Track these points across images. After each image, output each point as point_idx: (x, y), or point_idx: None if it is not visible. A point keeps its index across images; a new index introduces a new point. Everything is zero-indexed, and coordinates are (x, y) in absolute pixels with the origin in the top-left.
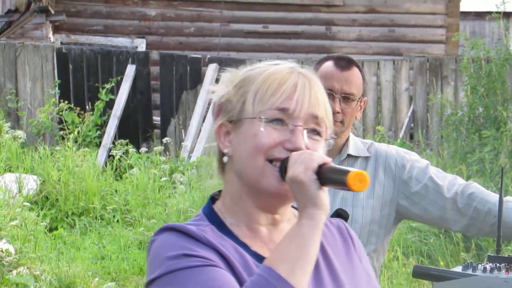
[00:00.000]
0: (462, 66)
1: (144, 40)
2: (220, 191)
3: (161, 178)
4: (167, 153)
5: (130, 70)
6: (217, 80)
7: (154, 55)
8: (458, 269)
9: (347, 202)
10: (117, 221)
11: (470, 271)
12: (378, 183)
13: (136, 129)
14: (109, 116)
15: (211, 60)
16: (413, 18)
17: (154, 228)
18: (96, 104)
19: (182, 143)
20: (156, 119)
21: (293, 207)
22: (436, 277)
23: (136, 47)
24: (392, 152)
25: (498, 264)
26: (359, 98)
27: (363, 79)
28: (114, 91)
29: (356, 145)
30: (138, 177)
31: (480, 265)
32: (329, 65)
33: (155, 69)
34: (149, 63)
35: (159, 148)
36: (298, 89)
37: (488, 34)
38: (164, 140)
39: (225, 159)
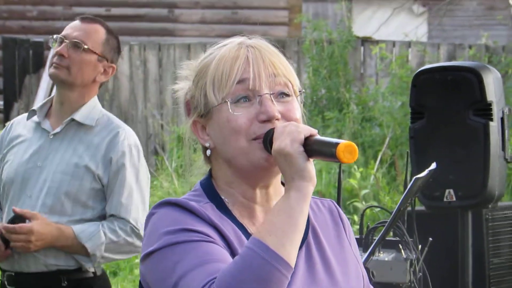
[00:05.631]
0: (304, 48)
1: None
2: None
3: None
4: None
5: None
6: None
7: None
8: None
9: None
10: None
11: None
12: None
13: None
14: None
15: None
16: (255, 0)
17: None
18: None
19: None
20: None
21: (283, 183)
22: None
23: None
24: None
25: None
26: (93, 51)
27: (110, 44)
28: None
29: (91, 112)
30: None
31: None
32: (74, 21)
33: None
34: None
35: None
36: (251, 61)
37: (331, 16)
38: (7, 124)
39: (208, 152)
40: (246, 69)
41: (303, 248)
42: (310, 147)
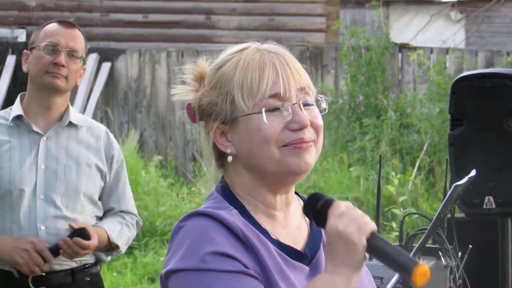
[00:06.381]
0: (342, 55)
1: (24, 31)
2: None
3: None
4: None
5: (10, 61)
6: (97, 70)
7: None
8: None
9: None
10: None
11: None
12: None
13: None
14: None
15: (91, 50)
16: (292, 7)
17: None
18: None
19: None
20: None
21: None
22: None
23: (16, 37)
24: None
25: None
26: (81, 57)
27: (85, 48)
28: None
29: (75, 114)
30: None
31: None
32: (52, 25)
33: None
34: None
35: None
36: (279, 70)
37: (368, 22)
38: None
39: (230, 158)
40: (276, 79)
41: (321, 249)
42: (374, 246)
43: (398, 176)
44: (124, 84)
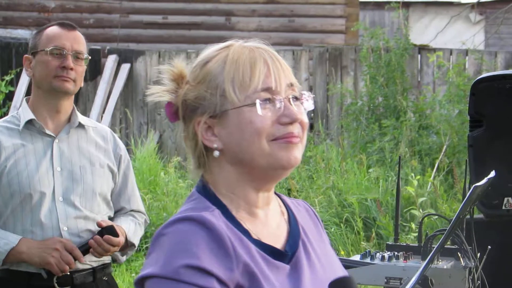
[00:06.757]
0: (361, 56)
1: None
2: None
3: None
4: None
5: None
6: (116, 72)
7: None
8: (357, 257)
9: None
10: None
11: (368, 260)
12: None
13: None
14: (9, 108)
15: (111, 52)
16: (312, 8)
17: None
18: None
19: None
20: None
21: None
22: None
23: None
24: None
25: (396, 253)
26: (86, 59)
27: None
28: (14, 83)
29: (80, 114)
30: None
31: (378, 253)
32: (53, 28)
33: None
34: None
35: None
36: (270, 64)
37: (387, 24)
38: None
39: (216, 153)
40: (267, 71)
41: (300, 246)
42: None
43: (417, 177)
44: (143, 85)
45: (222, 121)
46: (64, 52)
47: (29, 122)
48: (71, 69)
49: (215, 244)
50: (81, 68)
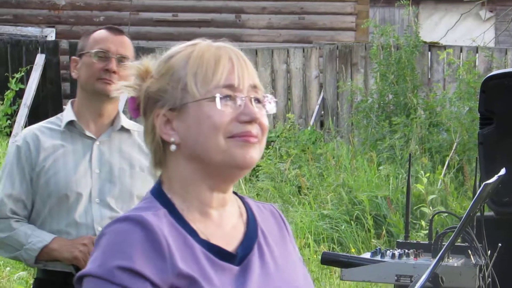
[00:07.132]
0: (371, 53)
1: (53, 30)
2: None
3: None
4: None
5: (40, 60)
6: None
7: (64, 44)
8: (367, 255)
9: None
10: None
11: (378, 257)
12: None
13: (46, 118)
14: (19, 105)
15: None
16: (322, 6)
17: None
18: (6, 93)
19: None
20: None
21: (234, 192)
22: (344, 263)
23: (46, 36)
24: None
25: (406, 250)
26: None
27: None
28: (24, 80)
29: (125, 119)
30: None
31: (388, 251)
32: (101, 32)
33: (65, 58)
34: (59, 52)
35: None
36: (234, 62)
37: (398, 21)
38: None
39: (173, 147)
40: (230, 70)
41: (255, 249)
42: None
43: (428, 174)
44: None
45: (181, 114)
46: (109, 55)
47: (70, 124)
48: (114, 72)
49: (150, 245)
50: (125, 73)
